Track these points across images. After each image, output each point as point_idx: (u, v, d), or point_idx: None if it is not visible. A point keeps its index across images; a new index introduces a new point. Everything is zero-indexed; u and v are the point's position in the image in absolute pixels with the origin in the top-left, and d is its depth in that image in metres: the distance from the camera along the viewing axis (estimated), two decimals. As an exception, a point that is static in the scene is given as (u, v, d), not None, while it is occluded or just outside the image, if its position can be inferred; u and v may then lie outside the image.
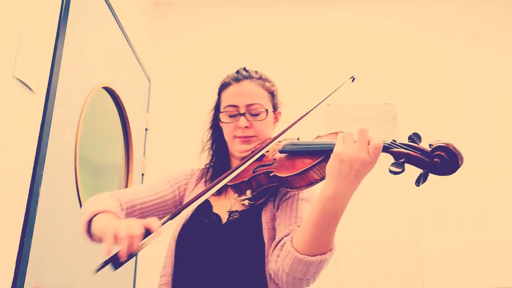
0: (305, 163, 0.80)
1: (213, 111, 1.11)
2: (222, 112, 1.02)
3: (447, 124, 2.49)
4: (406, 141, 0.69)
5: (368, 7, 2.78)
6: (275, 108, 1.09)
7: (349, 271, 2.22)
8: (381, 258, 2.22)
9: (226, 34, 2.75)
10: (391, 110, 2.57)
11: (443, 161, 0.62)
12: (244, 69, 1.09)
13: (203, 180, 1.05)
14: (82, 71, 1.59)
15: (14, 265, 1.12)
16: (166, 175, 1.08)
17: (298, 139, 1.00)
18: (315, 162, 0.77)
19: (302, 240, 0.75)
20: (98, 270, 0.65)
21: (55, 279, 1.32)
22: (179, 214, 0.74)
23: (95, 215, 0.83)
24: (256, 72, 1.09)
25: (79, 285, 1.48)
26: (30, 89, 1.23)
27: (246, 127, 0.99)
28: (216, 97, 1.11)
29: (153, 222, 0.69)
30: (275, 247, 0.84)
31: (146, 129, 2.42)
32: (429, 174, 0.65)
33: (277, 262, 0.80)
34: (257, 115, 1.01)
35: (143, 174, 2.32)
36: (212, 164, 1.09)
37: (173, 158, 2.39)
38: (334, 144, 0.73)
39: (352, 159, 0.68)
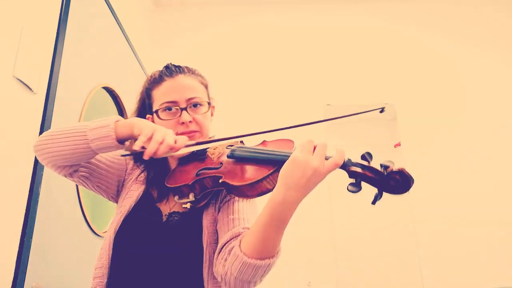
0: (257, 173, 0.78)
1: (136, 115, 1.04)
2: (159, 109, 0.95)
3: (447, 124, 2.49)
4: (359, 159, 0.71)
5: (369, 7, 2.79)
6: (209, 102, 1.02)
7: (348, 271, 2.22)
8: (381, 258, 2.22)
9: (226, 34, 2.76)
10: (391, 110, 2.57)
11: (397, 183, 0.69)
12: (173, 64, 1.05)
13: (143, 176, 1.00)
14: (82, 71, 1.59)
15: (14, 265, 1.12)
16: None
17: (242, 142, 0.96)
18: (269, 172, 0.76)
19: (251, 245, 0.75)
20: (124, 155, 0.77)
21: (55, 279, 1.32)
22: (203, 144, 0.86)
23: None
24: (186, 67, 1.05)
25: (79, 285, 1.48)
26: (30, 89, 1.23)
27: (190, 121, 0.94)
28: (141, 97, 1.05)
29: (182, 140, 0.81)
30: (220, 251, 0.83)
31: (146, 129, 2.42)
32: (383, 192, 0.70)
33: (224, 266, 0.79)
34: (198, 109, 0.97)
35: (143, 174, 2.31)
36: (146, 165, 1.01)
37: (173, 158, 2.40)
38: (288, 155, 0.73)
39: (307, 166, 0.69)
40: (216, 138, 0.94)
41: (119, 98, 1.96)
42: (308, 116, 2.47)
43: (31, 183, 1.21)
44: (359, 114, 0.88)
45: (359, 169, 0.70)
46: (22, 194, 1.18)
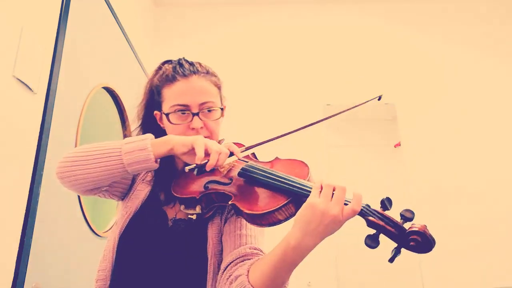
0: (270, 202, 0.76)
1: (144, 108, 1.02)
2: (170, 113, 0.91)
3: (447, 124, 2.49)
4: (378, 208, 0.70)
5: (369, 7, 2.79)
6: (222, 108, 0.99)
7: (348, 271, 2.22)
8: (381, 258, 2.22)
9: (226, 34, 2.76)
10: (391, 110, 2.57)
11: (417, 244, 0.66)
12: (186, 60, 1.00)
13: (150, 176, 0.97)
14: (82, 71, 1.59)
15: (14, 265, 1.12)
16: None
17: (254, 156, 0.93)
18: (283, 203, 0.74)
19: (260, 278, 0.73)
20: (190, 170, 0.77)
21: (55, 279, 1.32)
22: (252, 148, 0.86)
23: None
24: (200, 64, 1.01)
25: (79, 285, 1.48)
26: (30, 89, 1.23)
27: (201, 127, 0.90)
28: (149, 90, 1.02)
29: (234, 147, 0.82)
30: (225, 270, 0.81)
31: (146, 129, 2.42)
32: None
33: None
34: (211, 114, 0.93)
35: (143, 174, 2.31)
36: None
37: (173, 158, 2.40)
38: (304, 188, 0.72)
39: (325, 214, 0.67)
40: (249, 145, 0.90)
41: (119, 98, 1.96)
42: (308, 116, 2.47)
43: (31, 183, 1.21)
44: (358, 106, 0.86)
45: (379, 221, 0.69)
46: (22, 194, 1.18)
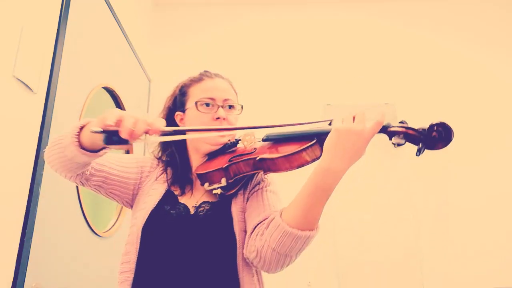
0: (296, 146, 0.82)
1: (166, 109, 1.11)
2: (199, 102, 1.00)
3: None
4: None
5: (369, 7, 2.79)
6: (242, 106, 1.09)
7: (348, 271, 2.22)
8: (381, 258, 2.22)
9: (225, 33, 2.76)
10: (391, 110, 2.57)
11: (439, 134, 0.73)
12: (207, 71, 1.11)
13: (163, 177, 1.02)
14: (82, 71, 1.59)
15: (14, 265, 1.12)
16: (135, 156, 1.06)
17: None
18: (308, 144, 0.80)
19: (293, 214, 0.78)
20: (95, 131, 0.71)
21: (55, 279, 1.32)
22: (182, 135, 0.87)
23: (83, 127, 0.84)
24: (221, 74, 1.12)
25: (79, 285, 1.48)
26: (30, 89, 1.23)
27: (224, 119, 0.99)
28: (172, 94, 1.12)
29: (158, 122, 0.73)
30: (253, 231, 0.86)
31: (146, 129, 2.42)
32: (425, 150, 0.75)
33: (261, 239, 0.82)
34: (232, 110, 1.03)
35: (143, 174, 2.31)
36: (168, 160, 1.05)
37: (173, 158, 2.40)
38: (324, 129, 0.79)
39: (350, 132, 0.73)
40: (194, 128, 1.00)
41: (119, 98, 1.96)
42: (308, 116, 2.47)
43: (31, 183, 1.21)
44: (305, 124, 0.90)
45: (401, 129, 0.74)
46: (22, 194, 1.18)
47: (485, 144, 2.42)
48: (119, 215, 1.94)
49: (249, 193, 0.98)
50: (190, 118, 1.02)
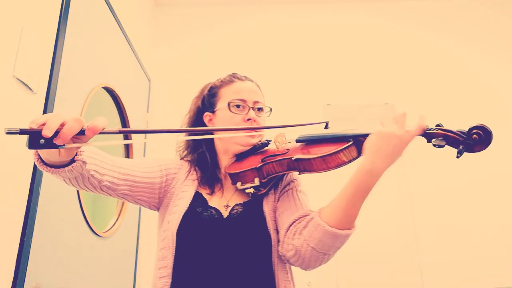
0: (331, 147, 0.84)
1: (195, 111, 1.12)
2: (231, 103, 1.03)
3: (447, 124, 2.48)
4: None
5: (368, 7, 2.79)
6: (271, 108, 1.12)
7: (348, 271, 2.22)
8: (381, 258, 2.22)
9: (226, 34, 2.76)
10: (391, 110, 2.57)
11: (480, 136, 0.76)
12: (236, 73, 1.13)
13: (192, 177, 1.03)
14: (82, 71, 1.59)
15: (14, 265, 1.12)
16: (157, 158, 1.06)
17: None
18: (345, 145, 0.83)
19: (333, 214, 0.81)
20: (10, 132, 0.54)
21: (55, 279, 1.32)
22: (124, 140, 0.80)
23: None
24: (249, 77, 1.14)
25: (79, 285, 1.48)
26: (30, 89, 1.23)
27: (254, 120, 1.02)
28: (200, 95, 1.13)
29: (97, 121, 0.62)
30: (288, 229, 0.88)
31: (146, 129, 2.42)
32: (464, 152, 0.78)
33: (300, 238, 0.84)
34: (261, 112, 1.06)
35: (143, 174, 2.31)
36: (197, 160, 1.06)
37: (173, 158, 2.40)
38: (361, 133, 0.82)
39: (391, 135, 0.76)
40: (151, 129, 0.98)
41: (119, 98, 1.96)
42: (308, 116, 2.47)
43: (31, 183, 1.21)
44: (302, 126, 0.93)
45: (441, 131, 0.78)
46: (22, 194, 1.18)
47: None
48: (119, 215, 1.94)
49: (280, 193, 1.00)
50: (221, 118, 1.04)
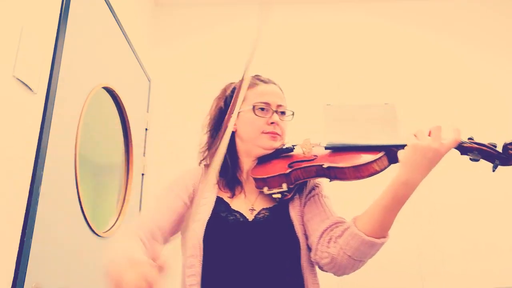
0: (365, 157, 0.85)
1: (217, 112, 1.11)
2: (256, 106, 1.03)
3: (447, 124, 2.48)
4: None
5: (368, 7, 2.79)
6: (293, 112, 1.13)
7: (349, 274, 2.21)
8: (381, 258, 2.22)
9: (226, 34, 2.76)
10: (391, 110, 2.56)
11: None
12: (259, 75, 1.14)
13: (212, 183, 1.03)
14: (82, 71, 1.59)
15: (14, 265, 1.12)
16: (171, 186, 1.04)
17: (320, 144, 1.04)
18: (378, 156, 0.85)
19: (370, 223, 0.83)
20: None
21: (55, 279, 1.32)
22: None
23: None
24: (272, 80, 1.14)
25: (79, 285, 1.48)
26: (30, 89, 1.23)
27: (278, 124, 1.03)
28: (224, 96, 1.12)
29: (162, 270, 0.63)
30: (321, 236, 0.89)
31: (146, 129, 2.42)
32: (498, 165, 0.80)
33: (336, 246, 0.86)
34: (284, 116, 1.07)
35: (143, 174, 2.32)
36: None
37: (173, 158, 2.39)
38: (393, 144, 0.85)
39: (427, 149, 0.79)
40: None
41: (119, 98, 1.96)
42: (308, 116, 2.47)
43: (31, 183, 1.21)
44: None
45: (476, 145, 0.82)
46: (22, 194, 1.18)
47: (485, 141, 2.41)
48: (119, 215, 1.94)
49: (305, 198, 1.01)
50: (244, 121, 1.05)
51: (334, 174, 0.87)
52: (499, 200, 2.30)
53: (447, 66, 2.63)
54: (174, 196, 1.00)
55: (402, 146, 0.84)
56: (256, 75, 1.13)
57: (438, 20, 2.74)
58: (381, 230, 0.83)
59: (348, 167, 0.84)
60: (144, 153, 2.37)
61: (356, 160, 0.85)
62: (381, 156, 0.85)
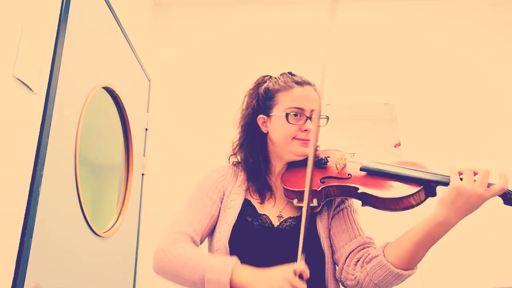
0: (403, 189, 0.82)
1: (250, 110, 1.09)
2: (289, 114, 1.00)
3: (447, 124, 2.49)
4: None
5: (368, 6, 2.79)
6: (328, 117, 1.11)
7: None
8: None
9: (226, 34, 2.75)
10: (391, 110, 2.57)
11: None
12: (294, 74, 1.10)
13: (240, 181, 1.03)
14: (82, 71, 1.59)
15: (14, 265, 1.12)
16: (203, 188, 1.04)
17: (353, 155, 1.01)
18: (417, 190, 0.82)
19: (400, 256, 0.82)
20: None
21: (55, 279, 1.32)
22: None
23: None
24: (309, 81, 1.10)
25: (79, 285, 1.48)
26: (30, 89, 1.23)
27: (310, 131, 1.00)
28: (256, 95, 1.09)
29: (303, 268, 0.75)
30: (348, 257, 0.89)
31: (146, 129, 2.42)
32: None
33: (362, 272, 0.86)
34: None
35: (143, 174, 2.32)
36: (250, 163, 1.05)
37: (173, 158, 2.40)
38: (433, 178, 0.82)
39: (471, 194, 0.75)
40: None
41: (119, 98, 1.96)
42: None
43: (31, 183, 1.21)
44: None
45: None
46: (22, 194, 1.18)
47: (485, 143, 2.42)
48: (119, 215, 1.94)
49: (334, 211, 1.00)
50: (276, 125, 1.02)
51: (368, 200, 0.85)
52: (499, 200, 2.29)
53: (448, 65, 2.63)
54: (208, 199, 1.00)
55: (444, 183, 0.81)
56: (290, 74, 1.09)
57: (438, 20, 2.74)
58: (411, 263, 0.83)
59: (384, 198, 0.82)
60: (144, 153, 2.37)
61: (393, 192, 0.83)
62: (420, 190, 0.82)
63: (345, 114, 2.62)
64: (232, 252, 0.91)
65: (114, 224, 1.87)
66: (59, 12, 1.42)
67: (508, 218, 2.26)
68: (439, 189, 0.86)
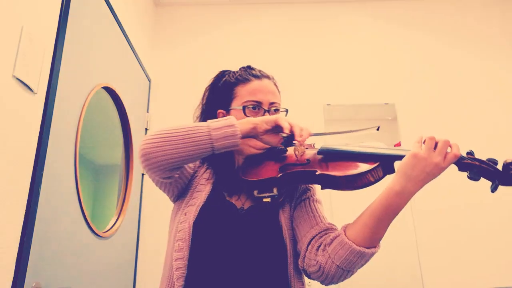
0: (359, 165, 0.82)
1: (209, 105, 1.07)
2: (247, 106, 0.99)
3: (447, 124, 2.49)
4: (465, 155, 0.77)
5: (368, 7, 2.79)
6: (287, 110, 1.09)
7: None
8: (381, 258, 2.22)
9: (226, 34, 2.76)
10: (391, 110, 2.57)
11: None
12: (252, 68, 1.09)
13: (208, 174, 1.02)
14: (82, 71, 1.59)
15: (14, 265, 1.12)
16: None
17: (314, 145, 1.00)
18: (373, 166, 0.80)
19: (360, 233, 0.80)
20: (284, 136, 0.86)
21: (55, 279, 1.32)
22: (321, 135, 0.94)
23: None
24: (267, 74, 1.09)
25: (79, 285, 1.48)
26: (30, 89, 1.23)
27: None
28: (215, 89, 1.08)
29: (306, 130, 0.86)
30: (309, 243, 0.88)
31: (146, 129, 2.42)
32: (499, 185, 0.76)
33: (324, 255, 0.83)
34: (278, 113, 1.03)
35: (143, 174, 2.32)
36: (213, 159, 1.02)
37: (173, 158, 2.39)
38: (389, 153, 0.81)
39: (427, 162, 0.74)
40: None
41: (119, 98, 1.96)
42: (308, 116, 2.47)
43: (31, 183, 1.21)
44: (354, 132, 0.91)
45: (475, 162, 0.77)
46: (22, 194, 1.18)
47: (484, 143, 2.42)
48: (119, 215, 1.94)
49: (296, 201, 0.98)
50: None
51: (327, 181, 0.84)
52: (499, 200, 2.30)
53: (447, 66, 2.63)
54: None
55: (400, 157, 0.79)
56: (248, 67, 1.08)
57: (438, 21, 2.74)
58: (373, 240, 0.80)
59: (341, 176, 0.81)
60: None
61: (350, 170, 0.81)
62: (376, 167, 0.80)
63: (345, 114, 2.62)
64: (195, 234, 0.90)
65: (114, 224, 1.87)
66: (59, 12, 1.42)
67: (508, 218, 2.27)
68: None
